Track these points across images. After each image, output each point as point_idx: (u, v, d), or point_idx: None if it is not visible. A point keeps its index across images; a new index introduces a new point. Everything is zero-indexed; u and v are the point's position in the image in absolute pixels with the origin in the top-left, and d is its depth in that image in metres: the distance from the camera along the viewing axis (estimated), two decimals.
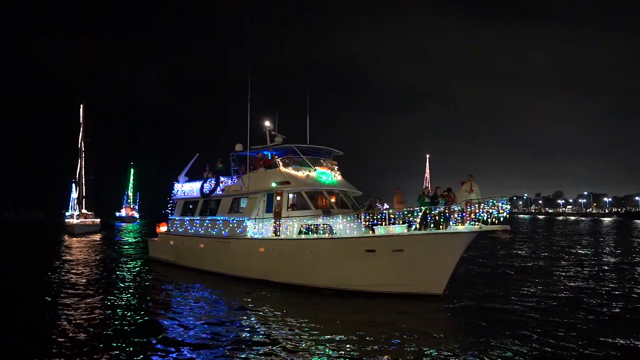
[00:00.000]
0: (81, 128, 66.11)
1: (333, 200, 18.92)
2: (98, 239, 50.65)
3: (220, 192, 21.68)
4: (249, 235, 19.08)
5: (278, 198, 19.00)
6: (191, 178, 25.59)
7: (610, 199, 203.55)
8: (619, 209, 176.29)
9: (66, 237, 51.11)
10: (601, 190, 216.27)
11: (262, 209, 19.28)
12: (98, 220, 66.08)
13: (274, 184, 18.89)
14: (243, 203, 20.40)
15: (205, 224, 21.84)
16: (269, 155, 21.20)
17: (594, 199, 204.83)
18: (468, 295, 15.32)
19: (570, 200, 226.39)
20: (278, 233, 17.91)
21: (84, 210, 65.92)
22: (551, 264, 24.21)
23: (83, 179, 67.29)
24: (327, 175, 19.48)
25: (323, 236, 16.15)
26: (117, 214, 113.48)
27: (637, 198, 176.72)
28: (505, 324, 11.64)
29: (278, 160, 19.39)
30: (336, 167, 20.57)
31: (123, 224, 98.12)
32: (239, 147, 21.88)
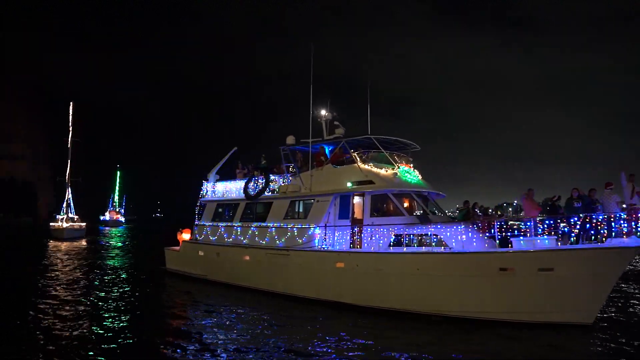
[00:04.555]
0: (70, 127, 61.77)
1: (410, 204, 15.44)
2: (85, 243, 46.78)
3: (270, 194, 17.92)
4: (316, 245, 15.38)
5: (356, 201, 15.39)
6: (221, 177, 21.76)
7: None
8: None
9: (56, 243, 46.51)
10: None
11: (333, 214, 15.60)
12: (84, 224, 62.01)
13: (349, 184, 15.26)
14: (302, 207, 16.69)
15: (250, 232, 18.00)
16: (331, 149, 17.61)
17: None
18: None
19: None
20: (363, 244, 14.28)
21: (71, 214, 61.38)
22: None
23: (69, 182, 62.75)
24: (411, 173, 15.95)
25: (436, 249, 12.56)
26: (102, 218, 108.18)
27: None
28: None
29: (355, 155, 15.73)
30: (412, 165, 17.02)
31: (107, 228, 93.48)
32: (290, 139, 18.12)
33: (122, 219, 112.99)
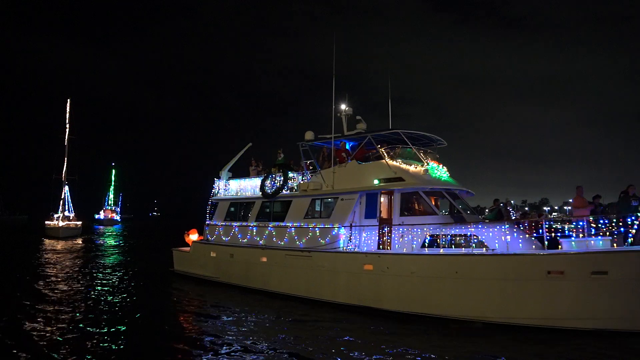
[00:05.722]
0: (67, 124, 60.39)
1: (436, 202, 14.72)
2: (82, 243, 45.64)
3: (288, 192, 17.07)
4: (341, 247, 14.57)
5: (383, 199, 14.59)
6: (234, 175, 20.89)
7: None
8: None
9: (52, 242, 45.27)
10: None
11: (359, 213, 14.80)
12: (80, 223, 60.80)
13: (376, 181, 14.47)
14: (324, 205, 15.86)
15: (267, 232, 17.14)
16: (352, 145, 16.81)
17: None
18: None
19: (556, 207, 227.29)
20: (393, 245, 13.50)
21: (66, 213, 60.17)
22: None
23: (65, 180, 61.51)
24: (441, 170, 15.18)
25: (477, 251, 11.78)
26: (96, 217, 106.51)
27: None
28: None
29: (383, 150, 14.92)
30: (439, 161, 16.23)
31: (101, 227, 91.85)
32: (309, 135, 17.29)
33: (118, 218, 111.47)
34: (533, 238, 11.54)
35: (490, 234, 11.82)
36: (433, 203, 14.40)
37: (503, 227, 11.72)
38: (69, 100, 60.91)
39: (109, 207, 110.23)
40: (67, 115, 60.78)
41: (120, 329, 11.36)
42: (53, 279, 19.65)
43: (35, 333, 10.76)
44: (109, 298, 15.40)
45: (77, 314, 12.78)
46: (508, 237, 11.51)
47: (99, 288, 17.38)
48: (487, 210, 16.83)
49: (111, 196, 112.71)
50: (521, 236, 11.55)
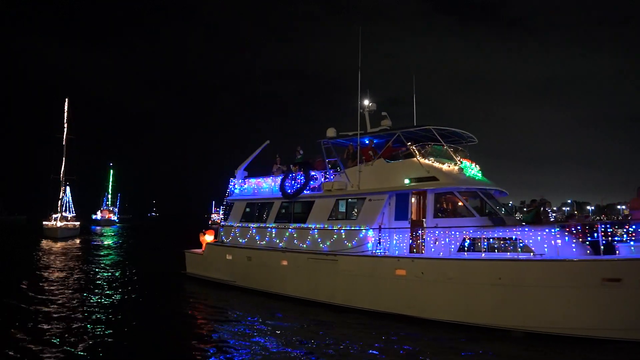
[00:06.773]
0: (65, 124, 59.37)
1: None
2: (80, 244, 44.65)
3: (309, 192, 16.32)
4: (369, 250, 13.83)
5: (413, 200, 13.87)
6: (250, 173, 20.09)
7: (592, 208, 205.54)
8: (602, 217, 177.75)
9: (50, 242, 44.22)
10: (584, 199, 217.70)
11: (388, 214, 14.07)
12: (77, 223, 59.88)
13: (407, 181, 13.75)
14: (349, 206, 15.12)
15: (287, 234, 16.37)
16: (377, 142, 16.09)
17: (577, 207, 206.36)
18: None
19: (555, 208, 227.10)
20: (427, 249, 12.78)
21: (65, 213, 59.19)
22: None
23: (64, 180, 60.54)
24: (474, 169, 14.49)
25: (523, 256, 11.05)
26: (93, 217, 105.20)
27: (619, 207, 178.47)
28: None
29: (414, 148, 14.19)
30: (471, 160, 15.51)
31: (99, 227, 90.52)
32: (331, 132, 16.52)
33: (115, 218, 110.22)
34: (587, 243, 10.82)
35: (538, 237, 11.10)
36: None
37: (553, 230, 11.01)
38: (67, 99, 60.07)
39: (107, 208, 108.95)
40: (65, 115, 59.92)
41: (134, 333, 10.87)
42: (55, 280, 18.78)
43: (36, 335, 10.26)
44: (123, 301, 14.60)
45: (87, 318, 12.01)
46: (558, 241, 10.79)
47: (105, 291, 16.53)
48: (524, 210, 16.11)
49: (109, 196, 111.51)
50: (574, 240, 10.84)
